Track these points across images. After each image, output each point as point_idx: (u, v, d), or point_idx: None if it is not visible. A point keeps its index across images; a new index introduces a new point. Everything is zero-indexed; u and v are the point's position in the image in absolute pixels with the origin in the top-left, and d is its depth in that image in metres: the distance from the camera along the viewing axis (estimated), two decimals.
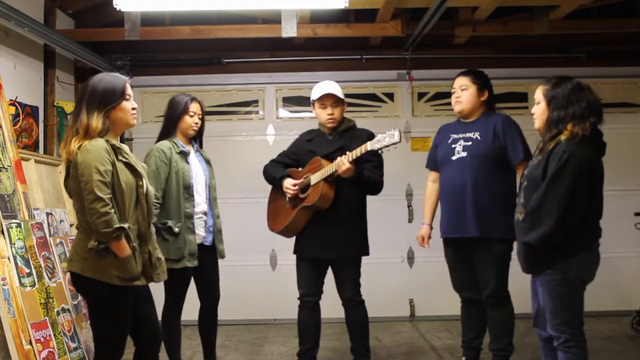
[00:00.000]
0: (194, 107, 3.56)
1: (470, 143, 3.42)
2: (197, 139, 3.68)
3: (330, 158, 3.49)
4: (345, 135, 3.61)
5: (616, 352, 4.25)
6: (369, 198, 3.66)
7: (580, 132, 2.60)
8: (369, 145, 3.26)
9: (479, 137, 3.40)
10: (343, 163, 3.30)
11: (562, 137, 2.63)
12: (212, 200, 3.63)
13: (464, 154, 3.43)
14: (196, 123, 3.57)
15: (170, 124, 3.57)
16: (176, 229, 3.41)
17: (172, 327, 3.51)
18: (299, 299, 3.66)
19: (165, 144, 3.51)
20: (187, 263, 3.43)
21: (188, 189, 3.48)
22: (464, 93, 3.46)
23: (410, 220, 5.52)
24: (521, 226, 2.71)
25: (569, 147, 2.59)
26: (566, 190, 2.55)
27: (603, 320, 5.13)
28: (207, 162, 3.68)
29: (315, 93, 3.60)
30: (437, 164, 3.60)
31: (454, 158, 3.47)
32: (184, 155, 3.52)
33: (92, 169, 2.48)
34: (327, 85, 3.60)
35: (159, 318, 2.92)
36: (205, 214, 3.57)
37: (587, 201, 2.59)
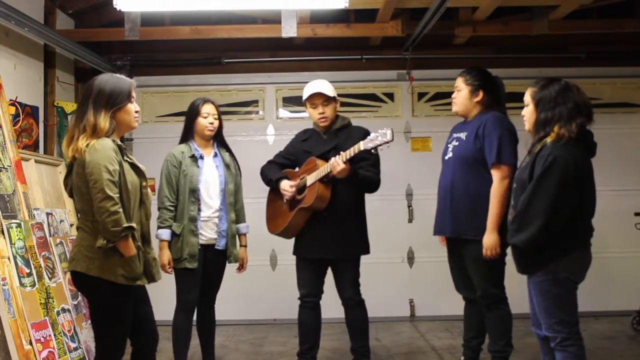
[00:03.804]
0: (207, 108, 3.60)
1: (458, 143, 3.43)
2: (218, 140, 3.70)
3: (326, 158, 3.48)
4: (339, 134, 3.61)
5: (616, 352, 4.25)
6: (368, 198, 3.66)
7: (566, 134, 2.61)
8: (362, 145, 3.25)
9: (464, 138, 3.40)
10: (337, 164, 3.29)
11: (548, 140, 2.64)
12: (227, 205, 3.62)
13: (451, 154, 3.45)
14: (211, 123, 3.60)
15: (187, 128, 3.66)
16: (177, 231, 3.49)
17: (182, 328, 3.54)
18: (299, 299, 3.66)
19: (179, 148, 3.61)
20: (186, 264, 3.48)
21: (194, 193, 3.53)
22: (458, 95, 3.47)
23: (410, 220, 5.52)
24: (509, 228, 2.73)
25: (554, 150, 2.60)
26: (552, 192, 2.56)
27: (603, 320, 5.14)
28: (227, 166, 3.67)
29: (305, 93, 3.61)
30: None
31: (446, 158, 3.50)
32: (195, 159, 3.57)
33: (101, 168, 2.49)
34: (316, 84, 3.60)
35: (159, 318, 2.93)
36: (218, 218, 3.59)
37: (574, 203, 2.60)
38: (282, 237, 3.72)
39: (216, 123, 3.63)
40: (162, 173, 3.58)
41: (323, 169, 3.40)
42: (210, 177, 3.59)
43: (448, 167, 3.45)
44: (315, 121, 3.65)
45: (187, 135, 3.66)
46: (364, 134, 3.50)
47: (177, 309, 3.57)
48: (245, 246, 3.76)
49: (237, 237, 3.71)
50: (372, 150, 3.26)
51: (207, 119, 3.59)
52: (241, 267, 3.76)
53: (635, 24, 5.09)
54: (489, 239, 3.20)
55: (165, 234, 3.49)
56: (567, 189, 2.57)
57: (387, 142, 3.17)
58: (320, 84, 3.60)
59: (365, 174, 3.47)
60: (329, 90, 3.57)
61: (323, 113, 3.57)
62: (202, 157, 3.61)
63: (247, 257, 3.76)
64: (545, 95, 2.70)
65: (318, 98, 3.56)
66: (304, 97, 3.61)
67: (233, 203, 3.66)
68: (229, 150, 3.75)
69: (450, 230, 3.38)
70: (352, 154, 3.30)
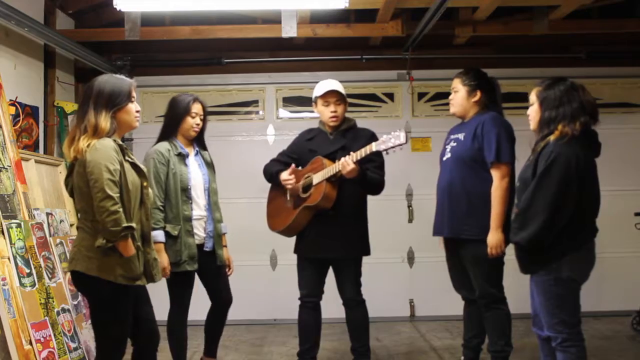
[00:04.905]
0: (196, 108, 3.49)
1: (455, 144, 3.44)
2: (198, 140, 3.60)
3: (332, 158, 3.48)
4: (346, 134, 3.60)
5: (616, 352, 4.25)
6: (369, 198, 3.65)
7: (570, 132, 2.61)
8: (375, 146, 3.25)
9: (462, 139, 3.40)
10: (348, 164, 3.28)
11: (551, 138, 2.65)
12: (212, 205, 3.54)
13: (449, 155, 3.45)
14: (197, 124, 3.49)
15: (171, 125, 3.51)
16: (174, 232, 3.37)
17: (178, 330, 3.48)
18: (300, 299, 3.65)
19: (163, 146, 3.45)
20: (187, 267, 3.38)
21: (186, 192, 3.42)
22: (455, 96, 3.48)
23: (410, 220, 5.52)
24: (512, 226, 2.73)
25: (556, 148, 2.60)
26: (553, 190, 2.57)
27: (603, 320, 5.14)
28: (208, 165, 3.60)
29: (319, 90, 3.59)
30: None
31: (444, 159, 3.50)
32: (182, 157, 3.47)
33: (102, 168, 2.49)
34: (330, 82, 3.60)
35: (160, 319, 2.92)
36: (205, 218, 3.51)
37: (575, 201, 2.59)
38: (283, 235, 3.71)
39: (201, 124, 3.53)
40: (149, 171, 3.31)
41: (331, 168, 3.40)
42: (196, 176, 3.50)
43: (446, 168, 3.45)
44: (325, 120, 3.62)
45: (170, 132, 3.50)
46: (370, 136, 3.52)
47: (172, 312, 3.47)
48: (226, 246, 3.64)
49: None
50: (385, 152, 3.26)
51: (195, 119, 3.48)
52: (228, 269, 3.64)
53: (635, 24, 5.09)
54: (494, 238, 3.20)
55: (160, 235, 3.32)
56: (569, 186, 2.57)
57: (401, 145, 3.18)
58: (334, 82, 3.60)
59: (372, 175, 3.47)
60: (343, 90, 3.57)
61: (335, 112, 3.55)
62: (187, 156, 3.50)
63: (231, 257, 3.66)
64: (550, 94, 2.70)
65: (332, 96, 3.55)
66: (318, 94, 3.58)
67: (216, 202, 3.59)
68: (206, 150, 3.64)
69: (448, 231, 3.39)
70: (363, 155, 3.29)
